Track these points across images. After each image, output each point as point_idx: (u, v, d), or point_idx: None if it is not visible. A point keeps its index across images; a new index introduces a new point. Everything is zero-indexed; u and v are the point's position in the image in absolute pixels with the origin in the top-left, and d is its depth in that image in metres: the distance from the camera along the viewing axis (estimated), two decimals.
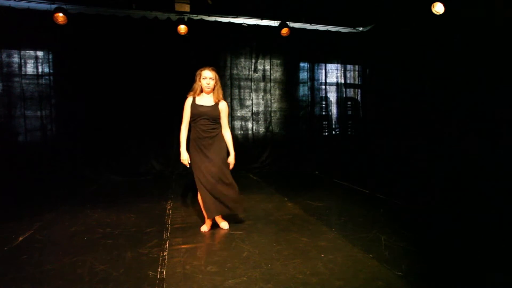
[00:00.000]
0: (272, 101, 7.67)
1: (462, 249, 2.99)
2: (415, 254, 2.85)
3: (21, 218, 3.92)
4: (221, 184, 3.33)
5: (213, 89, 3.39)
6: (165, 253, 2.92)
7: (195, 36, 6.81)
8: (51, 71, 6.27)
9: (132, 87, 6.59)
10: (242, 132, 7.49)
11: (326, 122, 8.19)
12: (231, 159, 3.47)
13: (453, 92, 5.71)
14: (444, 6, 5.24)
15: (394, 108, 7.17)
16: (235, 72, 7.38)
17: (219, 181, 3.32)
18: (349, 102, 8.36)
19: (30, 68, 6.14)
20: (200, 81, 3.36)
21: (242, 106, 7.48)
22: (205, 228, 3.50)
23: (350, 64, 8.26)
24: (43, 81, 6.23)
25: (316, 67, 7.95)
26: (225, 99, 3.52)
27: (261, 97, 7.60)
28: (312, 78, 7.90)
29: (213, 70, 3.37)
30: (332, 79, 8.14)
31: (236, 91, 7.41)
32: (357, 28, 8.00)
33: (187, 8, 6.76)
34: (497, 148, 4.99)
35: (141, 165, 6.75)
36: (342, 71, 8.17)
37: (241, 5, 6.98)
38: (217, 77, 3.42)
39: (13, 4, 5.87)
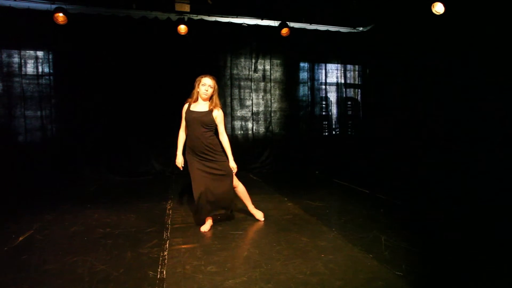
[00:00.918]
0: (272, 101, 7.67)
1: (462, 249, 2.99)
2: (415, 254, 2.85)
3: (21, 218, 3.93)
4: (216, 183, 3.41)
5: (210, 97, 3.45)
6: (165, 253, 2.92)
7: (195, 36, 6.81)
8: (51, 71, 6.26)
9: (132, 87, 6.59)
10: (242, 132, 7.49)
11: (326, 122, 8.19)
12: (232, 164, 3.51)
13: (453, 92, 5.71)
14: (444, 6, 5.24)
15: (394, 108, 7.17)
16: (235, 72, 7.38)
17: (214, 181, 3.41)
18: (349, 102, 8.36)
19: (30, 68, 6.14)
20: (198, 87, 3.43)
21: (242, 106, 7.48)
22: (205, 228, 3.51)
23: (350, 64, 8.25)
24: (43, 81, 6.23)
25: (316, 67, 7.94)
26: (222, 106, 3.61)
27: (261, 97, 7.60)
28: (312, 78, 7.89)
29: (213, 79, 3.44)
30: (332, 79, 8.14)
31: (236, 91, 7.41)
32: (357, 28, 8.00)
33: (187, 8, 6.76)
34: (497, 148, 4.98)
35: (141, 165, 6.75)
36: (342, 71, 8.17)
37: (241, 5, 6.98)
38: (216, 87, 3.49)
39: (13, 4, 5.87)
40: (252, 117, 7.54)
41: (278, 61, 7.67)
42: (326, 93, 8.10)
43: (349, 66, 8.27)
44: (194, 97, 3.46)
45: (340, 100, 8.21)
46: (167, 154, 6.86)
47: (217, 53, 7.19)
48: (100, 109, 6.46)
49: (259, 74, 7.56)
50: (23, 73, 6.09)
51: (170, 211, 4.27)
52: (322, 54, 7.90)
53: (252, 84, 7.52)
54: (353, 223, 3.71)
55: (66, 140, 6.35)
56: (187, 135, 3.53)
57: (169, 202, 4.71)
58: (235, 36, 7.22)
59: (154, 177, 6.66)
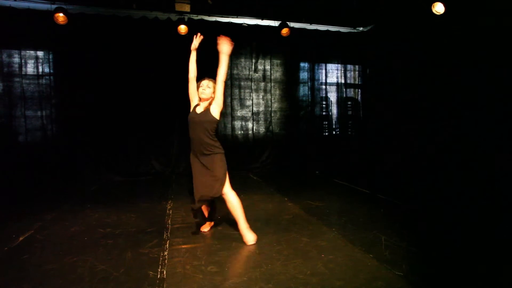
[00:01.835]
0: (273, 101, 7.67)
1: (463, 249, 2.99)
2: (415, 254, 2.85)
3: (21, 218, 3.93)
4: (208, 180, 3.30)
5: (209, 97, 3.45)
6: (165, 253, 2.92)
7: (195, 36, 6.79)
8: (51, 71, 6.27)
9: (132, 87, 6.59)
10: (242, 132, 7.49)
11: (326, 122, 8.19)
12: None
13: (453, 92, 5.71)
14: (444, 6, 5.24)
15: (394, 108, 7.17)
16: (235, 72, 7.38)
17: (208, 179, 3.31)
18: (349, 102, 8.36)
19: (30, 68, 6.14)
20: (198, 89, 3.50)
21: (243, 106, 7.48)
22: (205, 228, 3.51)
23: (350, 64, 8.25)
24: (43, 81, 6.23)
25: (316, 67, 7.95)
26: (225, 106, 3.56)
27: (261, 97, 7.60)
28: (312, 78, 7.89)
29: (210, 80, 3.53)
30: (332, 79, 8.14)
31: (236, 91, 7.41)
32: (357, 28, 8.00)
33: (187, 8, 6.75)
34: (497, 148, 4.98)
35: (141, 165, 6.75)
36: (342, 71, 8.17)
37: (241, 5, 6.98)
38: (215, 87, 3.47)
39: (13, 4, 5.87)
40: (252, 117, 7.54)
41: (278, 61, 7.67)
42: (326, 93, 8.10)
43: (349, 66, 8.27)
44: (198, 99, 3.48)
45: (340, 100, 8.21)
46: (167, 154, 6.87)
47: (217, 53, 7.13)
48: (100, 109, 6.46)
49: (259, 74, 7.56)
50: (23, 73, 6.09)
51: (170, 211, 4.27)
52: (322, 54, 7.90)
53: (252, 84, 7.52)
54: (353, 223, 3.71)
55: (66, 140, 6.35)
56: (189, 137, 3.45)
57: (169, 202, 4.71)
58: (235, 36, 7.18)
59: (154, 177, 6.66)
